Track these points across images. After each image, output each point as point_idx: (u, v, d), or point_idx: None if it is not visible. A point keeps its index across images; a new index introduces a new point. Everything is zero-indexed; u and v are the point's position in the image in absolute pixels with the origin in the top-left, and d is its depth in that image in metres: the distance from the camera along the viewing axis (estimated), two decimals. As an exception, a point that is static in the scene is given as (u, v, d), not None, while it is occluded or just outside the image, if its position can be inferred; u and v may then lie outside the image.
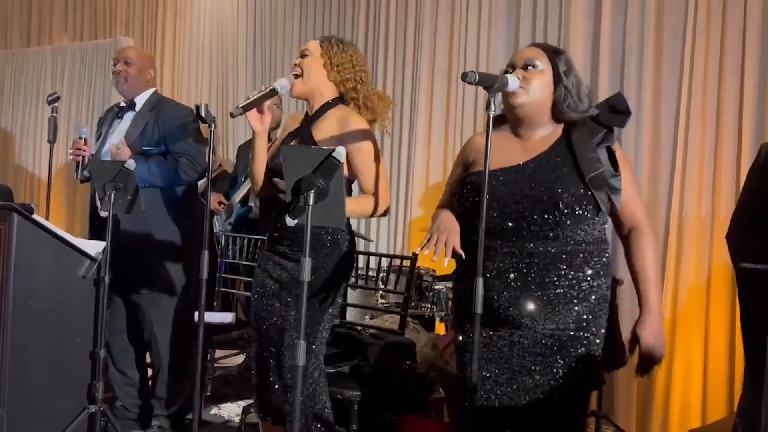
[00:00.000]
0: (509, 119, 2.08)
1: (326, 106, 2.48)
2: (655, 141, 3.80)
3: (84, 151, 3.25)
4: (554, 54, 2.04)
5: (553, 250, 1.90)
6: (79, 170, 3.34)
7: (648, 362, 1.95)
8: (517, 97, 1.98)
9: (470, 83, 1.87)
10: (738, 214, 2.50)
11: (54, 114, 3.71)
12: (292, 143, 2.50)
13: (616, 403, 3.83)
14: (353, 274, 3.41)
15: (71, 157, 3.32)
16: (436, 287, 3.76)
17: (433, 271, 3.93)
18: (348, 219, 2.41)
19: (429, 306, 3.82)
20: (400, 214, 4.73)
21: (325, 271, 2.39)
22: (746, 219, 2.43)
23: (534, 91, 1.99)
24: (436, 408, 3.10)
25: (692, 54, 3.65)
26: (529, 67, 2.01)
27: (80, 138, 3.27)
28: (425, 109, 4.65)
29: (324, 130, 2.44)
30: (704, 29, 3.62)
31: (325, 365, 2.55)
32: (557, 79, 2.00)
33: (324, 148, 2.04)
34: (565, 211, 1.88)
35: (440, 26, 4.62)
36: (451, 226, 1.95)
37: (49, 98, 3.72)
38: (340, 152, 1.91)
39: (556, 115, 2.02)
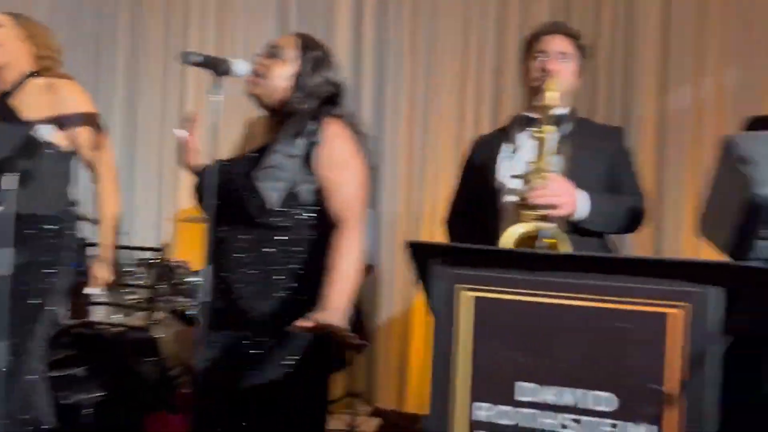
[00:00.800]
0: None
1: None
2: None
3: None
4: (307, 47, 2.01)
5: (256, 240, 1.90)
6: None
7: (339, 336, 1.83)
8: (250, 85, 1.95)
9: (191, 64, 1.81)
10: None
11: None
12: None
13: (376, 383, 4.00)
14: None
15: None
16: (189, 280, 3.63)
17: (187, 263, 3.80)
18: (72, 205, 2.21)
19: (183, 299, 3.68)
20: (158, 205, 4.52)
21: (40, 264, 2.18)
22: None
23: (271, 79, 1.96)
24: (184, 403, 3.00)
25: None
26: (274, 56, 1.99)
27: None
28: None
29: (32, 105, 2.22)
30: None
31: (53, 369, 2.34)
32: (301, 72, 1.96)
33: (22, 124, 1.85)
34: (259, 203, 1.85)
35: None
36: None
37: None
38: (43, 130, 1.74)
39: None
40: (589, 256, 1.50)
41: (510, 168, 2.19)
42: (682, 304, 1.29)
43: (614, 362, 1.32)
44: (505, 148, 2.29)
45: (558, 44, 2.29)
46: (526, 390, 1.37)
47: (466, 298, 1.39)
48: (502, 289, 1.37)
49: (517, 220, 2.06)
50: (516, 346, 1.37)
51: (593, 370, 1.33)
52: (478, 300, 1.38)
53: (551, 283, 1.35)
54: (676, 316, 1.30)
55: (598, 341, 1.33)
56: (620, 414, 1.31)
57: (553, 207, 2.00)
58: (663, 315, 1.31)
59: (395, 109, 4.06)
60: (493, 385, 1.38)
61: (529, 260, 1.39)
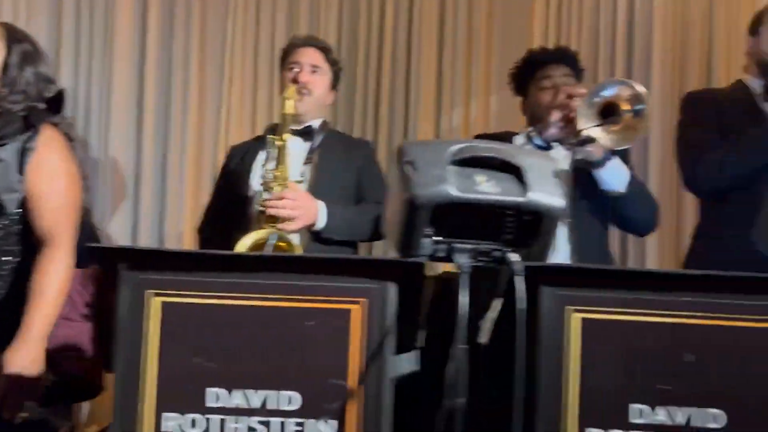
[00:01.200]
0: None
1: None
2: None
3: None
4: (13, 40, 1.87)
5: None
6: None
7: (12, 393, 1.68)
8: None
9: None
10: None
11: None
12: None
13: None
14: None
15: None
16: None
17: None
18: None
19: None
20: None
21: None
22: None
23: None
24: None
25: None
26: None
27: None
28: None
29: None
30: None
31: None
32: (8, 65, 1.82)
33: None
34: None
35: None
36: None
37: None
38: None
39: None
40: (279, 256, 1.51)
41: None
42: (361, 299, 1.34)
43: (300, 361, 1.34)
44: (260, 156, 2.30)
45: (310, 57, 2.34)
46: (215, 396, 1.34)
47: (154, 304, 1.34)
48: (190, 292, 1.34)
49: (259, 228, 2.07)
50: (205, 351, 1.34)
51: (279, 371, 1.34)
52: (166, 305, 1.34)
53: (238, 285, 1.34)
54: (356, 311, 1.34)
55: (283, 341, 1.34)
56: (305, 412, 1.33)
57: (288, 217, 2.03)
58: (347, 311, 1.35)
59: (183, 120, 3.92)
60: (182, 394, 1.34)
61: (220, 262, 1.38)
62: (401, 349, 1.63)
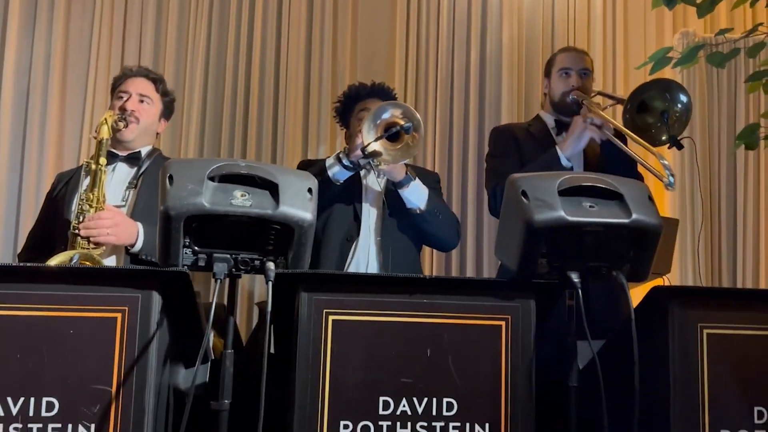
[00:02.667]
0: None
1: None
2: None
3: None
4: None
5: None
6: None
7: None
8: None
9: None
10: None
11: None
12: None
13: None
14: None
15: None
16: None
17: None
18: None
19: None
20: None
21: None
22: None
23: None
24: None
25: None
26: None
27: None
28: None
29: None
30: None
31: None
32: None
33: None
34: None
35: None
36: None
37: None
38: None
39: None
40: (45, 268, 1.56)
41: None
42: (125, 308, 1.42)
43: (62, 368, 1.39)
44: (85, 182, 2.32)
45: (140, 86, 2.42)
46: None
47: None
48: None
49: (74, 248, 2.09)
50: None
51: (43, 377, 1.38)
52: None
53: (8, 296, 1.38)
54: (119, 319, 1.42)
55: (48, 348, 1.39)
56: (63, 417, 1.38)
57: (100, 241, 2.07)
58: (111, 320, 1.42)
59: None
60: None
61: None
62: (182, 355, 1.71)
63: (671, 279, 3.37)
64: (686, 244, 3.80)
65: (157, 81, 2.49)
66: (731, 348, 1.60)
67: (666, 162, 2.05)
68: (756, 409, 1.61)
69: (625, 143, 2.31)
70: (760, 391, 1.61)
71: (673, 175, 2.05)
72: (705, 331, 1.59)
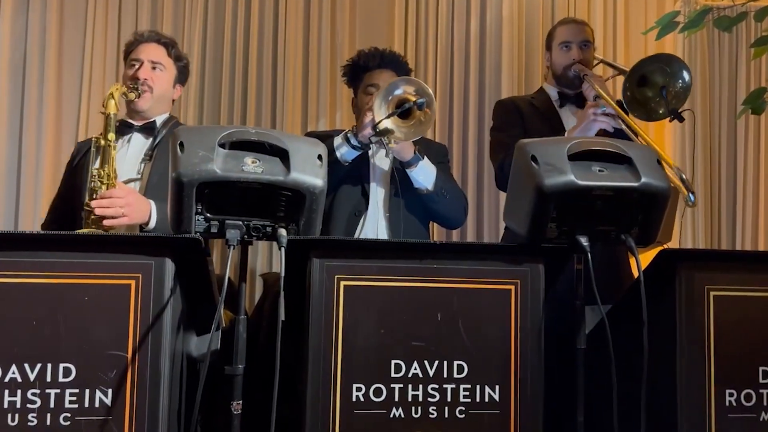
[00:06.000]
0: None
1: None
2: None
3: None
4: None
5: None
6: None
7: None
8: None
9: None
10: None
11: None
12: None
13: None
14: None
15: None
16: None
17: None
18: None
19: None
20: None
21: None
22: None
23: None
24: None
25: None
26: None
27: None
28: None
29: None
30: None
31: None
32: None
33: None
34: None
35: None
36: None
37: None
38: None
39: None
40: (56, 235, 1.56)
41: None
42: (138, 275, 1.43)
43: (78, 335, 1.40)
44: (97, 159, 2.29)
45: (151, 53, 2.35)
46: None
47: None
48: None
49: (89, 227, 2.07)
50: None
51: (59, 344, 1.40)
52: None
53: (18, 264, 1.39)
54: (133, 286, 1.43)
55: (64, 316, 1.40)
56: (80, 382, 1.39)
57: (114, 216, 2.04)
58: (126, 286, 1.43)
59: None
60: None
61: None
62: (193, 323, 1.73)
63: (671, 246, 3.39)
64: (686, 213, 3.82)
65: (169, 45, 2.42)
66: (737, 310, 1.63)
67: (684, 176, 2.05)
68: (761, 368, 1.64)
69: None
70: (765, 351, 1.64)
71: (693, 192, 2.05)
72: (712, 294, 1.61)
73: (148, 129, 2.32)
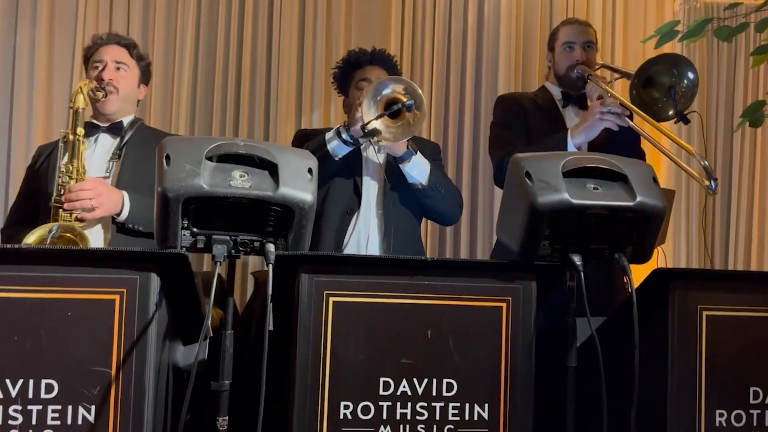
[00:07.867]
0: None
1: None
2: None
3: None
4: None
5: None
6: None
7: None
8: None
9: None
10: None
11: None
12: None
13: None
14: None
15: None
16: None
17: None
18: None
19: None
20: None
21: None
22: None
23: None
24: None
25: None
26: None
27: None
28: None
29: None
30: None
31: None
32: None
33: None
34: None
35: None
36: None
37: None
38: None
39: None
40: (39, 249, 1.53)
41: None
42: (122, 289, 1.40)
43: (61, 350, 1.38)
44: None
45: (114, 54, 2.34)
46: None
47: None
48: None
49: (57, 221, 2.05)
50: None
51: (42, 360, 1.37)
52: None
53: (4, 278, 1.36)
54: (117, 301, 1.40)
55: (47, 330, 1.37)
56: (62, 398, 1.37)
57: (84, 209, 2.03)
58: (110, 301, 1.41)
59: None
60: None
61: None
62: (180, 333, 1.71)
63: (665, 250, 3.38)
64: (680, 217, 3.81)
65: (130, 46, 2.42)
66: (730, 329, 1.61)
67: (707, 163, 2.00)
68: (752, 389, 1.63)
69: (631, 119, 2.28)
70: (756, 371, 1.63)
71: (715, 179, 2.01)
72: (705, 313, 1.59)
73: (116, 129, 2.33)
